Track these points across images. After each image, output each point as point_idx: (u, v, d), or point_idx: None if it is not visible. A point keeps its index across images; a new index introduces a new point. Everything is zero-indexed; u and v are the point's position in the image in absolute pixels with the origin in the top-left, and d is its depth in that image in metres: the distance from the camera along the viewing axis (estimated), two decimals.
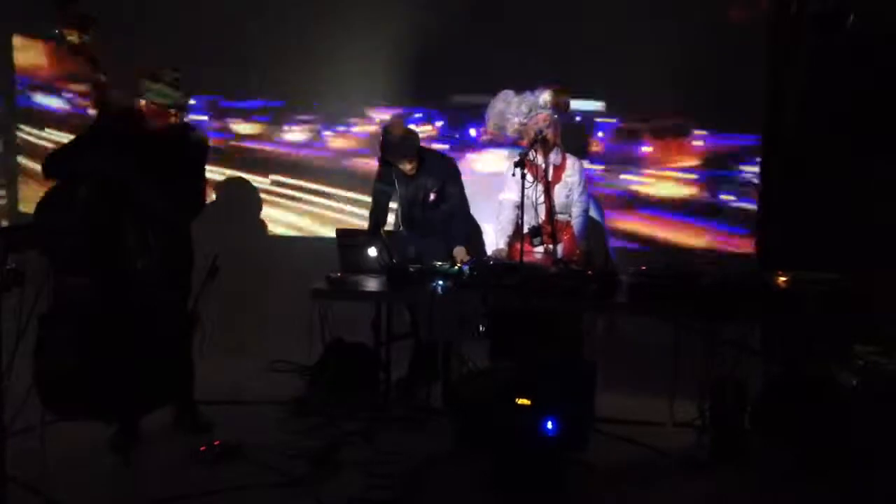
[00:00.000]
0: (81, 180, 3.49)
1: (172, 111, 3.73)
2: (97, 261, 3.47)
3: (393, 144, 4.47)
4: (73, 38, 3.49)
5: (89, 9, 3.54)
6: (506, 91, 4.48)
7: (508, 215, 4.53)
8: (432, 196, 4.59)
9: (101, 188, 3.48)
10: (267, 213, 6.07)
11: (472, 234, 4.75)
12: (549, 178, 4.41)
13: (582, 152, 5.29)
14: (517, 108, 4.41)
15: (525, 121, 4.40)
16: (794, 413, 3.73)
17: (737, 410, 3.81)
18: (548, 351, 4.01)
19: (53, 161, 3.66)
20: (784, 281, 3.82)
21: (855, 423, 3.66)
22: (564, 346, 4.16)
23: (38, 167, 5.88)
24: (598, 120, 5.70)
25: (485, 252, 4.67)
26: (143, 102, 3.70)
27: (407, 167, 4.53)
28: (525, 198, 4.02)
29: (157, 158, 3.62)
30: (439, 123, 5.86)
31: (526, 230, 4.26)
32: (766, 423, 3.81)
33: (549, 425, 3.50)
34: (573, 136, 5.02)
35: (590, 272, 3.98)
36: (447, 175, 4.62)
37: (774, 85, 5.14)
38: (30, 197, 6.20)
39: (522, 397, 3.55)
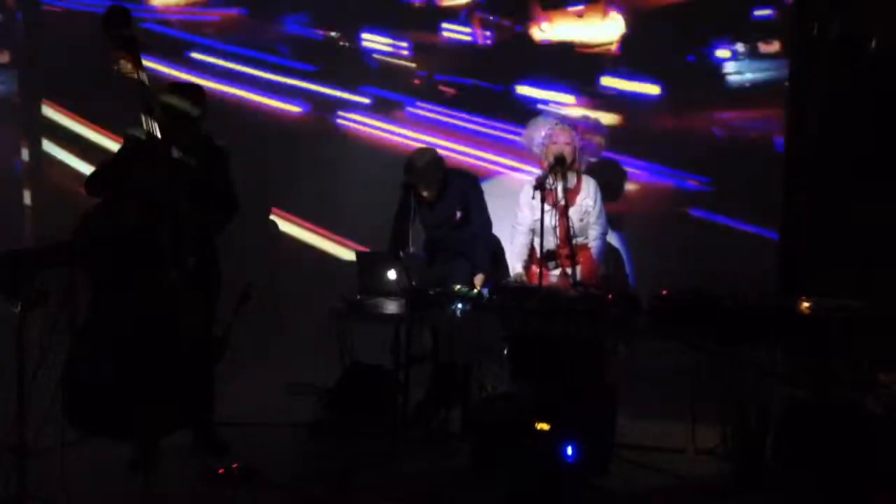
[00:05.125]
0: (126, 197, 3.54)
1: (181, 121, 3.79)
2: (139, 283, 3.51)
3: (418, 172, 4.47)
4: (126, 63, 3.53)
5: None
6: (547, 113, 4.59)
7: (523, 240, 4.53)
8: (458, 215, 4.59)
9: (146, 204, 3.52)
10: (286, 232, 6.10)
11: (497, 257, 4.72)
12: (564, 203, 4.40)
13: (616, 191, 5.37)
14: (546, 122, 4.47)
15: (548, 132, 4.41)
16: (818, 440, 3.68)
17: (759, 437, 3.76)
18: (568, 375, 3.99)
19: (97, 179, 3.72)
20: (808, 307, 3.78)
21: (880, 451, 3.60)
22: (584, 370, 4.13)
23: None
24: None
25: (507, 272, 4.66)
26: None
27: (425, 194, 4.54)
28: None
29: (188, 169, 3.68)
30: None
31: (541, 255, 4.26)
32: (789, 450, 3.76)
33: (569, 451, 3.47)
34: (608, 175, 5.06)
35: (610, 296, 3.96)
36: (470, 193, 4.62)
37: (797, 108, 5.12)
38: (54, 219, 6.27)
39: (542, 422, 3.53)
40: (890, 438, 3.60)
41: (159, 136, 3.54)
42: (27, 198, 6.48)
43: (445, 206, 4.58)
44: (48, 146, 6.43)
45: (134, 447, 3.73)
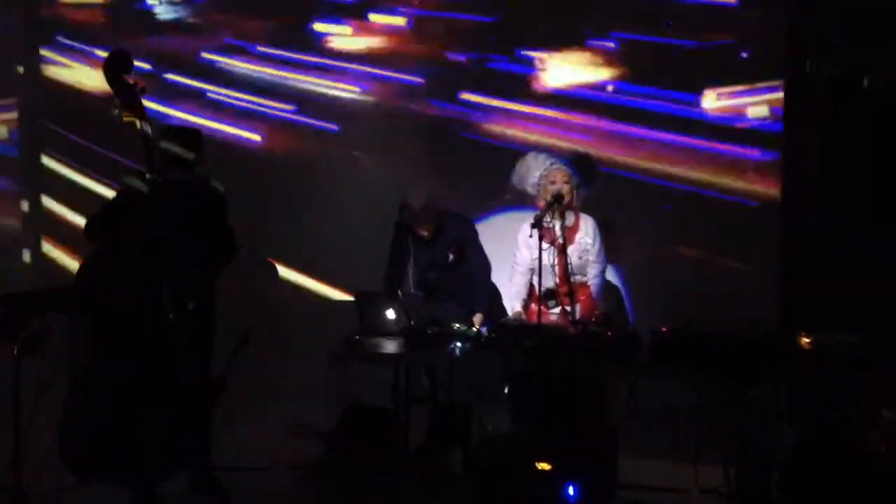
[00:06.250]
0: (126, 241, 3.54)
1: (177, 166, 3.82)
2: (139, 329, 3.50)
3: (413, 211, 4.48)
4: (127, 112, 3.57)
5: None
6: (536, 151, 4.59)
7: (521, 280, 4.52)
8: (451, 257, 4.59)
9: (147, 250, 3.52)
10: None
11: (492, 300, 4.70)
12: (562, 241, 4.40)
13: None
14: (540, 161, 4.47)
15: (544, 172, 4.42)
16: (823, 478, 3.64)
17: (763, 476, 3.72)
18: (568, 414, 3.96)
19: (96, 222, 3.73)
20: (808, 342, 3.77)
21: (884, 488, 3.56)
22: (585, 408, 4.11)
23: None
24: None
25: (504, 314, 4.64)
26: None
27: (424, 233, 4.55)
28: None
29: (186, 212, 3.70)
30: None
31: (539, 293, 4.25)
32: (793, 489, 3.71)
33: (571, 491, 3.44)
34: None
35: (609, 333, 3.95)
36: (465, 237, 4.62)
37: (794, 146, 5.17)
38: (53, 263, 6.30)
39: (543, 462, 3.49)
40: (894, 473, 3.57)
41: (160, 182, 3.57)
42: (26, 255, 6.48)
43: (439, 247, 4.58)
44: (48, 201, 6.46)
45: (132, 492, 3.70)
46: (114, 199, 3.88)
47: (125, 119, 3.56)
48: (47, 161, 6.46)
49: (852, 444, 3.73)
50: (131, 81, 3.60)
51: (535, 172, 4.45)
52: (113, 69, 3.59)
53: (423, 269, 4.67)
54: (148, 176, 3.57)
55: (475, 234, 4.70)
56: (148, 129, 3.56)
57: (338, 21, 6.08)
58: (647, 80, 5.60)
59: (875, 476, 3.59)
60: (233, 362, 3.80)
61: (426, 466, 4.36)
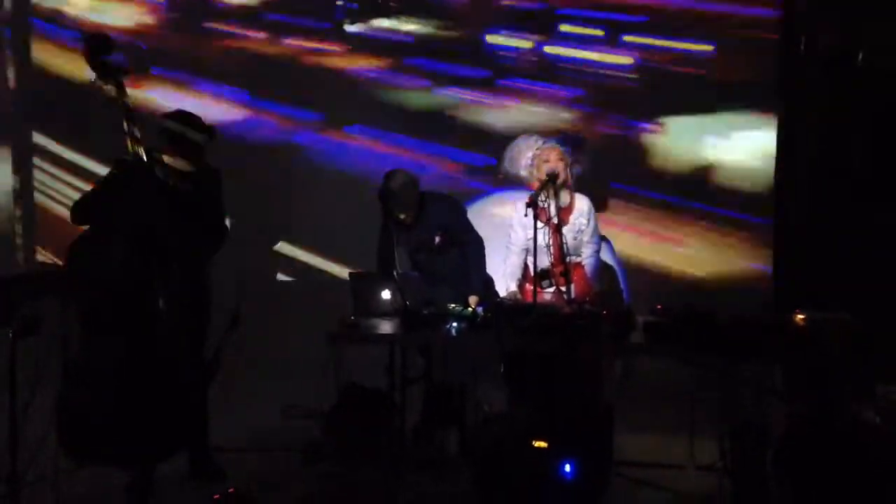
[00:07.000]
0: (114, 228, 3.51)
1: (191, 152, 3.78)
2: (130, 313, 3.48)
3: (391, 194, 4.42)
4: (109, 88, 3.53)
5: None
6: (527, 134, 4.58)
7: (516, 260, 4.51)
8: (437, 239, 4.53)
9: (136, 239, 3.48)
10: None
11: (487, 289, 4.66)
12: (557, 221, 4.39)
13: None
14: (531, 142, 4.46)
15: (537, 152, 4.40)
16: (818, 454, 3.66)
17: (759, 453, 3.74)
18: (564, 393, 3.97)
19: (84, 207, 3.69)
20: (802, 319, 3.78)
21: (879, 463, 3.58)
22: (581, 387, 4.11)
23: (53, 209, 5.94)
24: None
25: (497, 296, 4.62)
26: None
27: (403, 216, 4.49)
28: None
29: (180, 198, 3.66)
30: None
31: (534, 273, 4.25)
32: (788, 466, 3.74)
33: (567, 469, 3.45)
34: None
35: (605, 312, 3.95)
36: (453, 218, 4.54)
37: (788, 124, 5.16)
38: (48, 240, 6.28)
39: (539, 440, 3.50)
40: (889, 449, 3.59)
41: (145, 161, 3.54)
42: (18, 228, 6.46)
43: (423, 230, 4.49)
44: (39, 174, 6.41)
45: (129, 474, 3.70)
46: (100, 183, 3.84)
47: (109, 99, 3.54)
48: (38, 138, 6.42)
49: (847, 421, 3.74)
50: (114, 65, 3.56)
51: (527, 153, 4.45)
52: (95, 51, 3.55)
53: (411, 252, 4.63)
54: (131, 158, 3.54)
55: (462, 214, 4.62)
56: (129, 112, 3.52)
57: None
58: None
59: (869, 453, 3.61)
60: (224, 343, 3.78)
61: (423, 448, 4.37)
